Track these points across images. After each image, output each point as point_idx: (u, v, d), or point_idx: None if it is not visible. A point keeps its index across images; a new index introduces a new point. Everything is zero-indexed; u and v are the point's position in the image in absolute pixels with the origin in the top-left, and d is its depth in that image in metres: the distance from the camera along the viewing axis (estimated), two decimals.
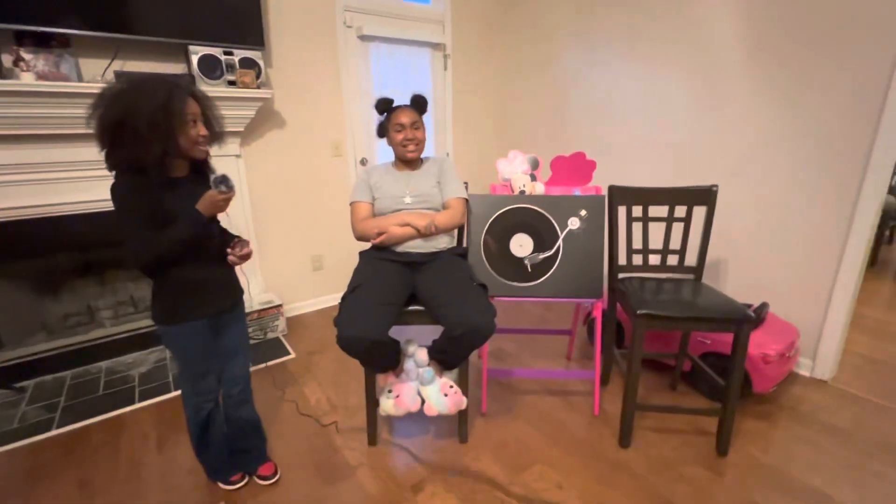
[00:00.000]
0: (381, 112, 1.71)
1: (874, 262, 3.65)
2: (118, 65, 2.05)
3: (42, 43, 1.87)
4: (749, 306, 1.98)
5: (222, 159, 2.40)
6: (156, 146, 1.09)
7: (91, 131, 1.09)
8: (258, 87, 2.27)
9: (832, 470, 1.54)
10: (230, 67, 2.19)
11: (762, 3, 2.00)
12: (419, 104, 1.69)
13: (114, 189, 1.12)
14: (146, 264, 1.17)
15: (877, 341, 2.43)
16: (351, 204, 1.69)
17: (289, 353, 2.37)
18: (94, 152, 1.14)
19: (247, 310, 2.43)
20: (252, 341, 2.48)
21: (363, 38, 2.75)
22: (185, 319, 1.25)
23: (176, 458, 1.62)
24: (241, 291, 1.41)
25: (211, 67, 2.14)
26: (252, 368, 2.21)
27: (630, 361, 1.56)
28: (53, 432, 1.77)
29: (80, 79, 1.95)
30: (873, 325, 2.61)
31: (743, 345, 1.47)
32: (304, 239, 2.84)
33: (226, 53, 2.17)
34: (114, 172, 1.14)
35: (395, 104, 1.70)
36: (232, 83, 2.20)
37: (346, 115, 2.81)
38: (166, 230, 1.15)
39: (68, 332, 2.34)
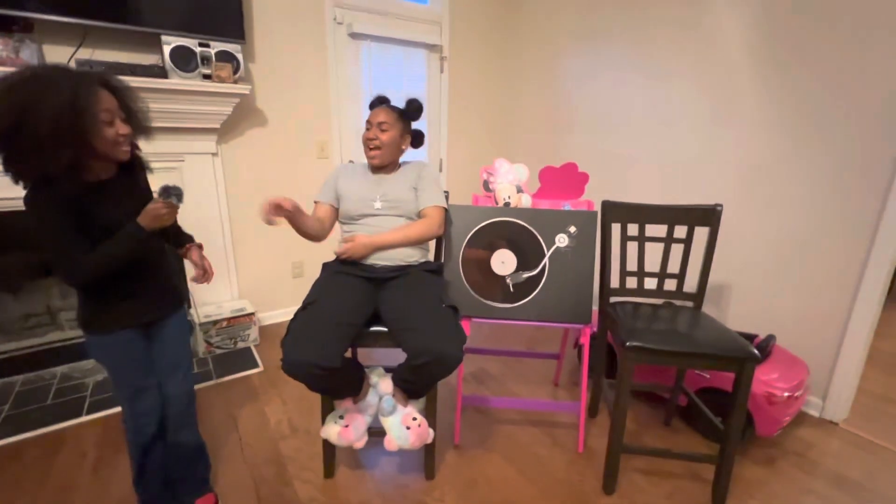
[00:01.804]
0: (371, 109, 1.59)
1: (890, 291, 3.44)
2: (86, 53, 1.93)
3: (2, 27, 1.75)
4: (753, 337, 1.81)
5: (197, 157, 2.28)
6: (63, 154, 0.92)
7: None
8: (235, 83, 2.14)
9: None
10: (206, 60, 2.06)
11: (773, 14, 1.85)
12: (409, 109, 1.57)
13: (30, 204, 0.96)
14: (84, 284, 1.04)
15: (893, 379, 2.23)
16: (314, 202, 1.56)
17: (257, 366, 2.22)
18: None
19: (217, 317, 2.31)
20: (219, 351, 2.33)
21: (354, 35, 2.62)
22: (115, 327, 1.11)
23: (109, 484, 1.46)
24: (180, 298, 1.27)
25: (185, 60, 2.01)
26: (214, 381, 2.08)
27: (617, 398, 1.39)
28: None
29: None
30: (890, 362, 2.41)
31: (745, 386, 1.30)
32: (285, 244, 2.70)
33: (201, 45, 2.04)
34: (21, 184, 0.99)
35: (388, 104, 1.57)
36: (207, 77, 2.08)
37: (333, 116, 2.68)
38: (101, 247, 1.01)
39: (26, 333, 2.21)
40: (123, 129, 1.02)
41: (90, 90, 0.94)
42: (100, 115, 0.96)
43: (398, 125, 1.52)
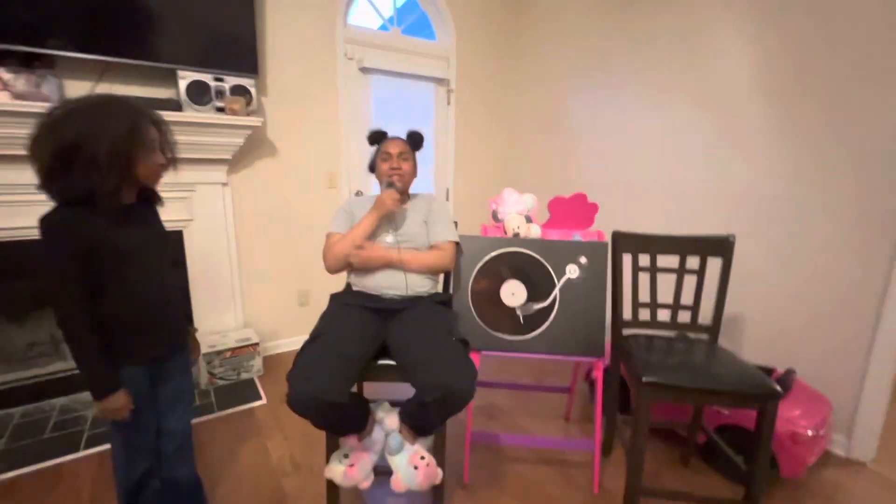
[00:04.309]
0: (372, 143, 1.62)
1: None
2: (104, 87, 1.99)
3: (25, 63, 1.81)
4: (771, 371, 1.75)
5: (208, 186, 2.30)
6: (113, 176, 0.97)
7: (31, 154, 0.96)
8: (248, 115, 2.19)
9: None
10: (220, 94, 2.11)
11: (779, 40, 1.88)
12: (413, 139, 1.61)
13: (48, 223, 0.98)
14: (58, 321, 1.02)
15: None
16: (327, 235, 1.55)
17: (260, 398, 2.17)
18: None
19: (221, 347, 2.27)
20: (222, 382, 2.28)
21: (364, 70, 2.70)
22: (122, 363, 1.08)
23: None
24: (185, 338, 1.25)
25: (200, 93, 2.06)
26: (215, 414, 2.03)
27: (634, 437, 1.33)
28: None
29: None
30: None
31: (769, 425, 1.25)
32: (292, 272, 2.69)
33: (216, 80, 2.10)
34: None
35: (389, 136, 1.61)
36: (221, 110, 2.13)
37: (342, 147, 2.72)
38: (87, 336, 1.00)
39: (29, 363, 2.18)
40: (162, 159, 1.07)
41: (145, 122, 1.01)
42: (152, 146, 1.03)
43: (412, 155, 1.58)
